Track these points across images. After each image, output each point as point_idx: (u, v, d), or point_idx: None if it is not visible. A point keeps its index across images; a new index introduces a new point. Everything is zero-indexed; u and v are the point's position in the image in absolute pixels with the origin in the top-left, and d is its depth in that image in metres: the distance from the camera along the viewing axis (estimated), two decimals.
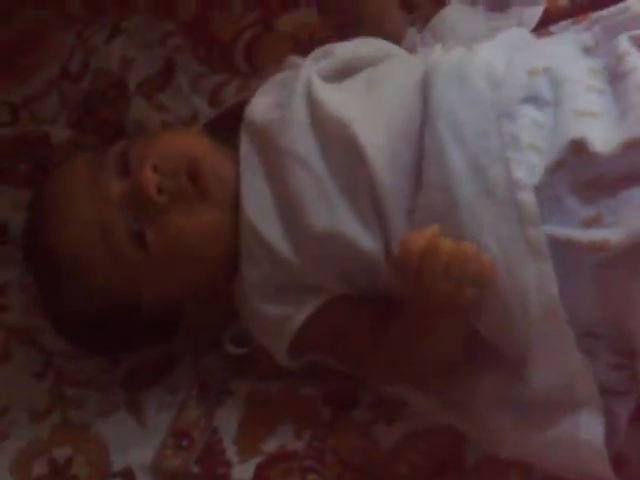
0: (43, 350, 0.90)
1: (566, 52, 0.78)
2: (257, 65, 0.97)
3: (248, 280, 0.78)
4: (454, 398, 0.77)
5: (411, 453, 0.79)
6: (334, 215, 0.74)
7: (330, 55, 0.83)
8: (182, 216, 0.77)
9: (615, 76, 0.75)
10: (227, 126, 0.86)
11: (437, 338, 0.72)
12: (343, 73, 0.82)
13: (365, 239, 0.74)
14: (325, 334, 0.77)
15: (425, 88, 0.75)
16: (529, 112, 0.73)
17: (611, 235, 0.68)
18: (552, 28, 0.88)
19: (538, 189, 0.70)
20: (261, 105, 0.81)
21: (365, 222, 0.74)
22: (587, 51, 0.78)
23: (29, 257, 0.86)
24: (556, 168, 0.70)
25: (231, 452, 0.82)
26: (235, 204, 0.78)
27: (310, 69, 0.81)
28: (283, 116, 0.78)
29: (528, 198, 0.69)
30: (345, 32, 0.89)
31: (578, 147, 0.69)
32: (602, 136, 0.70)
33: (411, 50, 0.87)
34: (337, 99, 0.78)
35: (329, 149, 0.76)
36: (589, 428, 0.70)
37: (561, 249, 0.69)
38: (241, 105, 0.85)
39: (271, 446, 0.81)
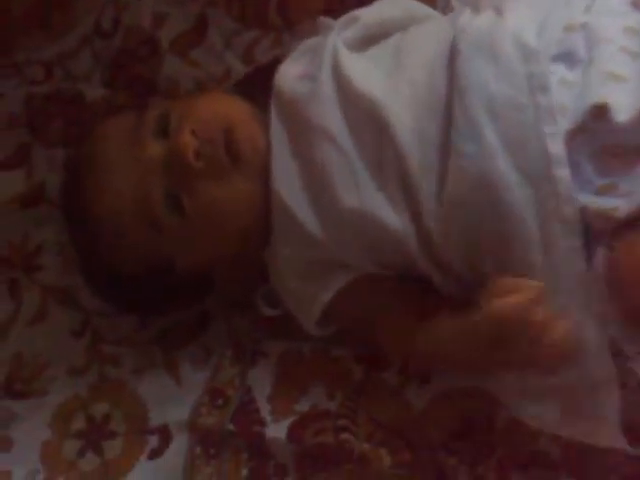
0: (80, 309, 0.92)
1: (611, 5, 0.75)
2: (291, 19, 0.95)
3: (280, 255, 0.79)
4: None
5: (441, 415, 0.80)
6: (362, 193, 0.74)
7: (355, 22, 0.82)
8: (216, 184, 0.77)
9: None
10: (259, 84, 0.85)
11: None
12: (369, 40, 0.81)
13: (392, 217, 0.73)
14: (352, 310, 0.78)
15: (452, 59, 0.73)
16: (558, 71, 0.71)
17: (621, 204, 0.67)
18: None
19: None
20: (290, 74, 0.80)
21: (392, 199, 0.73)
22: (636, 5, 0.75)
23: (66, 216, 0.87)
24: (577, 132, 0.69)
25: (265, 411, 0.83)
26: (268, 175, 0.78)
27: (337, 38, 0.80)
28: (312, 90, 0.77)
29: (564, 174, 0.68)
30: None
31: (599, 112, 0.68)
32: (626, 103, 0.68)
33: (444, 10, 0.85)
34: (364, 73, 0.76)
35: (356, 126, 0.75)
36: (605, 405, 0.70)
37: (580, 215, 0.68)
38: (273, 63, 0.84)
39: (304, 406, 0.82)
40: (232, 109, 0.81)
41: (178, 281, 0.82)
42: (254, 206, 0.78)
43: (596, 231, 0.69)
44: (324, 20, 0.85)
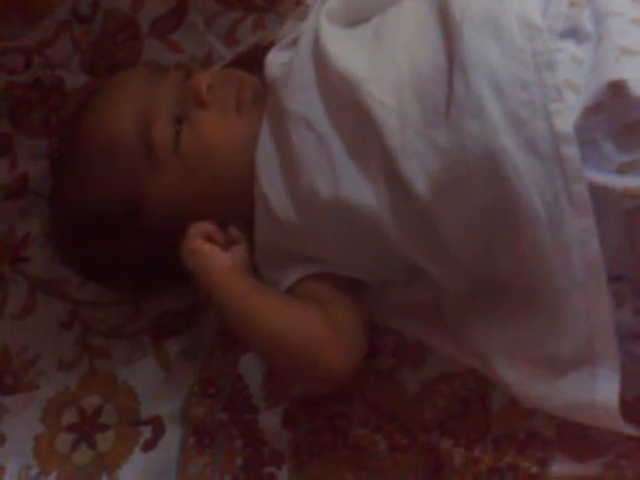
0: (69, 300, 0.91)
1: None
2: (274, 0, 0.94)
3: (256, 237, 0.79)
4: (474, 350, 0.76)
5: (436, 397, 0.79)
6: (339, 181, 0.73)
7: None
8: (217, 119, 0.79)
9: None
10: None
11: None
12: (351, 16, 0.79)
13: (371, 199, 0.72)
14: None
15: (451, 37, 0.71)
16: (568, 47, 0.70)
17: None
18: None
19: (575, 132, 0.67)
20: (275, 59, 0.80)
21: (373, 181, 0.72)
22: None
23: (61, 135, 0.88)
24: (594, 110, 0.67)
25: (258, 398, 0.82)
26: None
27: (319, 13, 0.79)
28: (289, 72, 0.77)
29: (572, 152, 0.67)
30: None
31: (617, 89, 0.66)
32: None
33: None
34: (344, 53, 0.75)
35: (335, 108, 0.74)
36: (605, 389, 0.69)
37: (594, 195, 0.67)
38: (256, 47, 0.83)
39: (297, 392, 0.82)
40: (246, 75, 0.83)
41: (148, 227, 0.80)
42: (243, 158, 0.78)
43: (622, 211, 0.67)
44: (310, 1, 0.84)
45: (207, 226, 0.79)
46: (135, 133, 0.78)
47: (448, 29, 0.72)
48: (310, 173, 0.74)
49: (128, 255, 0.82)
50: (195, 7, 0.95)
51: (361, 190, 0.73)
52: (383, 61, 0.74)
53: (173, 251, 0.79)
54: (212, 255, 0.78)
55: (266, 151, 0.77)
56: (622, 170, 0.67)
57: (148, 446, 0.84)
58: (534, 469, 0.76)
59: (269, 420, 0.81)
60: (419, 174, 0.70)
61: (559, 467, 0.75)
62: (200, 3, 0.95)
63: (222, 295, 0.77)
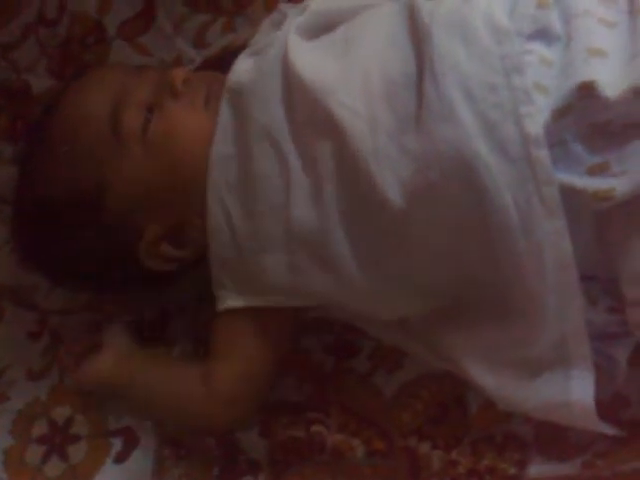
0: (37, 309, 0.89)
1: None
2: (242, 3, 0.93)
3: (208, 238, 0.77)
4: (446, 355, 0.75)
5: (413, 400, 0.79)
6: (290, 205, 0.72)
7: (305, 10, 0.80)
8: (187, 111, 0.78)
9: (633, 7, 0.70)
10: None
11: None
12: (319, 29, 0.79)
13: (319, 224, 0.72)
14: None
15: (420, 41, 0.71)
16: (537, 49, 0.70)
17: (618, 185, 0.66)
18: None
19: (545, 133, 0.67)
20: (245, 64, 0.79)
21: (325, 207, 0.72)
22: None
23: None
24: (563, 112, 0.67)
25: None
26: None
27: (289, 25, 0.78)
28: (255, 83, 0.76)
29: (543, 155, 0.66)
30: None
31: (587, 90, 0.66)
32: (612, 79, 0.66)
33: None
34: (312, 61, 0.74)
35: (300, 124, 0.73)
36: (580, 390, 0.69)
37: (565, 197, 0.67)
38: (225, 51, 0.83)
39: (274, 399, 0.81)
40: (219, 75, 0.82)
41: (111, 221, 0.79)
42: (205, 152, 0.77)
43: (592, 212, 0.68)
44: (283, 6, 0.83)
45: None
46: (105, 116, 0.78)
47: (417, 34, 0.71)
48: (264, 189, 0.74)
49: (90, 252, 0.80)
50: (163, 10, 0.94)
51: (309, 215, 0.72)
52: (352, 68, 0.73)
53: (133, 255, 0.79)
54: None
55: (224, 153, 0.76)
56: (592, 172, 0.67)
57: (121, 457, 0.83)
58: (512, 471, 0.76)
59: (246, 429, 0.80)
60: (392, 181, 0.69)
61: (537, 468, 0.76)
62: (168, 6, 0.94)
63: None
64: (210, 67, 0.87)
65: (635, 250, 0.67)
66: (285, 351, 0.79)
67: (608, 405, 0.73)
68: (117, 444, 0.83)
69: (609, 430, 0.71)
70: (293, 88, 0.74)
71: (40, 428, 0.85)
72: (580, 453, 0.74)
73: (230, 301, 0.76)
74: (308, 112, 0.73)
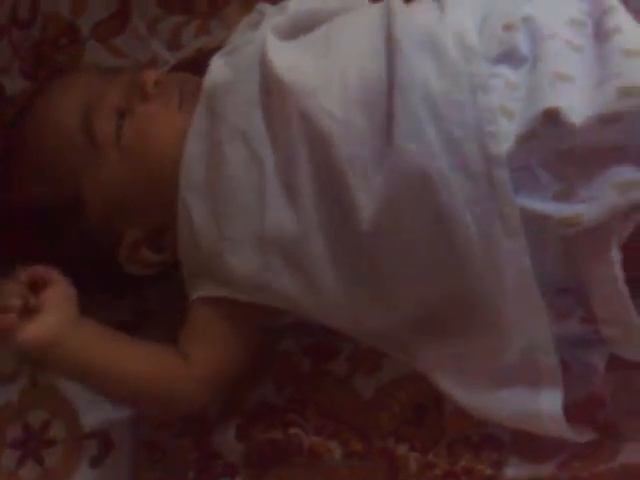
0: None
1: None
2: (217, 5, 0.93)
3: (178, 240, 0.78)
4: (414, 364, 0.76)
5: (391, 402, 0.79)
6: (264, 207, 0.72)
7: (284, 10, 0.80)
8: (159, 113, 0.78)
9: (599, 30, 0.71)
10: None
11: None
12: (298, 30, 0.79)
13: (295, 228, 0.72)
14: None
15: (392, 55, 0.70)
16: (502, 72, 0.70)
17: (585, 210, 0.66)
18: None
19: (508, 158, 0.67)
20: (220, 63, 0.79)
21: (301, 211, 0.71)
22: None
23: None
24: (528, 137, 0.67)
25: (212, 411, 0.81)
26: None
27: (267, 26, 0.78)
28: (231, 83, 0.76)
29: (504, 175, 0.66)
30: None
31: (552, 117, 0.66)
32: (577, 105, 0.66)
33: None
34: (290, 62, 0.74)
35: (277, 126, 0.73)
36: (549, 402, 0.70)
37: (531, 221, 0.67)
38: (199, 52, 0.83)
39: (252, 402, 0.81)
40: (191, 76, 0.82)
41: (88, 227, 0.79)
42: (179, 154, 0.76)
43: (559, 236, 0.67)
44: (262, 6, 0.83)
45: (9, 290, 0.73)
46: (77, 124, 0.78)
47: (390, 45, 0.71)
48: (236, 190, 0.73)
49: (70, 259, 0.79)
50: (138, 12, 0.93)
51: (286, 219, 0.72)
52: (331, 70, 0.73)
53: (114, 259, 0.78)
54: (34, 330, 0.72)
55: (196, 154, 0.76)
56: (558, 198, 0.67)
57: (96, 462, 0.82)
58: (488, 472, 0.76)
59: (222, 432, 0.80)
60: (364, 187, 0.69)
61: (513, 469, 0.75)
62: (143, 8, 0.93)
63: (64, 355, 0.73)
64: (184, 69, 0.87)
65: (601, 275, 0.67)
66: (257, 341, 0.79)
67: (584, 406, 0.74)
68: (92, 448, 0.83)
69: (582, 437, 0.71)
70: (271, 89, 0.74)
71: (14, 432, 0.84)
72: (556, 454, 0.74)
73: (202, 291, 0.76)
74: (286, 114, 0.72)
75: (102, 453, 0.82)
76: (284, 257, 0.73)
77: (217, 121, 0.75)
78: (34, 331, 0.71)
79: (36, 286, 0.74)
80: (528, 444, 0.76)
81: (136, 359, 0.76)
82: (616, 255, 0.66)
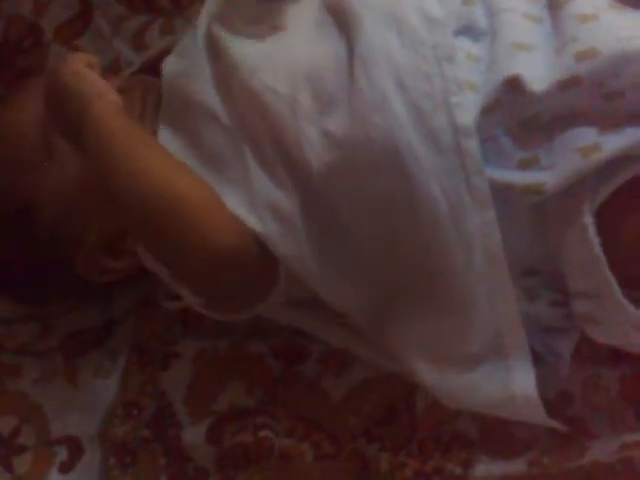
0: None
1: None
2: (181, 3, 0.91)
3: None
4: (389, 349, 0.75)
5: (361, 403, 0.80)
6: (254, 178, 0.71)
7: None
8: None
9: (553, 1, 0.71)
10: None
11: None
12: (247, 14, 0.78)
13: (281, 201, 0.70)
14: None
15: (352, 30, 0.70)
16: (463, 45, 0.70)
17: (547, 178, 0.67)
18: None
19: (475, 129, 0.67)
20: (174, 57, 0.78)
21: (277, 179, 0.70)
22: None
23: None
24: (492, 107, 0.68)
25: (182, 414, 0.81)
26: None
27: (210, 8, 0.78)
28: (186, 69, 0.75)
29: (472, 146, 0.67)
30: None
31: (513, 85, 0.67)
32: (538, 72, 0.67)
33: None
34: (239, 44, 0.74)
35: (231, 101, 0.72)
36: (521, 381, 0.70)
37: (498, 192, 0.68)
38: (164, 53, 0.81)
39: (222, 405, 0.81)
40: (152, 80, 0.81)
41: (41, 230, 0.77)
42: None
43: (527, 205, 0.68)
44: None
45: (89, 56, 0.77)
46: (34, 132, 0.76)
47: (348, 21, 0.71)
48: (224, 163, 0.72)
49: (27, 266, 0.79)
50: (101, 12, 0.91)
51: (272, 191, 0.70)
52: (279, 50, 0.73)
53: (73, 264, 0.77)
54: (98, 83, 0.73)
55: (172, 148, 0.74)
56: (522, 166, 0.68)
57: (66, 468, 0.81)
58: (458, 471, 0.77)
59: (193, 436, 0.80)
60: (315, 163, 0.69)
61: (483, 468, 0.76)
62: (105, 7, 0.92)
63: (104, 128, 0.70)
64: (148, 70, 0.86)
65: (573, 244, 0.68)
66: None
67: (553, 403, 0.75)
68: (62, 454, 0.82)
69: (555, 424, 0.72)
70: (227, 71, 0.73)
71: None
72: (526, 451, 0.75)
73: None
74: (241, 94, 0.72)
75: (72, 459, 0.81)
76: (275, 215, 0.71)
77: (184, 109, 0.74)
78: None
79: None
80: (497, 442, 0.76)
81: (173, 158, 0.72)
82: (589, 220, 0.67)
